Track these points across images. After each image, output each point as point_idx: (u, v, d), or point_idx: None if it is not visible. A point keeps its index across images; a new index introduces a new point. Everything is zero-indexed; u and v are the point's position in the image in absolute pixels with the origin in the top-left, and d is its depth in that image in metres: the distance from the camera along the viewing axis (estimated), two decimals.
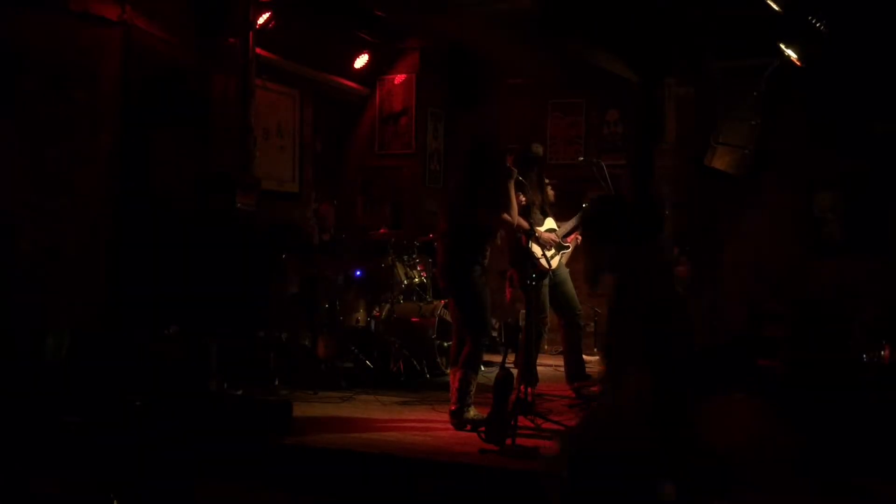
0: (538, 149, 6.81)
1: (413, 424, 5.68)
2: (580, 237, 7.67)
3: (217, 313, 6.29)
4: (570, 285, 7.03)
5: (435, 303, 7.56)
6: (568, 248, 7.19)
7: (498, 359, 5.61)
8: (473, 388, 5.57)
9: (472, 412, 5.54)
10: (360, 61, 9.60)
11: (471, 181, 5.72)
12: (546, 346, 8.97)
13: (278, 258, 7.16)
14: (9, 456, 4.64)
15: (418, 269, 7.80)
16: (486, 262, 5.72)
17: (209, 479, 4.75)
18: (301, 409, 5.75)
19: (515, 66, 10.00)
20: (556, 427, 5.44)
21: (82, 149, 6.12)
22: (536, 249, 6.55)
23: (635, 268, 4.49)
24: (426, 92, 10.04)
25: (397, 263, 7.59)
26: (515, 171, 5.83)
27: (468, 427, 5.41)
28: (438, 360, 7.37)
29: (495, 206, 5.70)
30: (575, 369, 6.84)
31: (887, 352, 7.06)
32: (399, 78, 10.03)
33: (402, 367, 7.22)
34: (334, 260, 7.60)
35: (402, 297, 7.65)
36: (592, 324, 9.41)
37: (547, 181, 7.34)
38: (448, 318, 7.43)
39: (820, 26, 6.56)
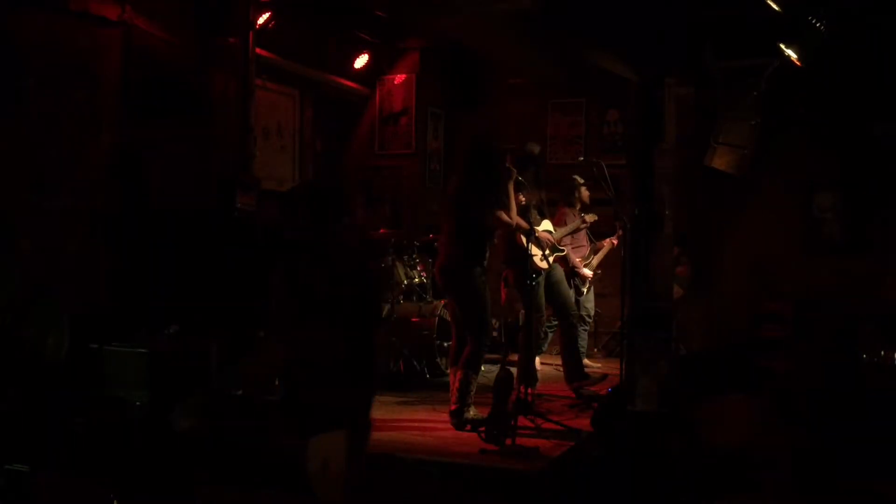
0: (534, 147, 6.83)
1: (413, 424, 5.68)
2: (616, 241, 7.76)
3: (217, 313, 6.29)
4: (564, 285, 7.05)
5: (435, 303, 7.56)
6: (563, 251, 7.22)
7: (498, 359, 5.61)
8: (474, 389, 5.57)
9: (472, 412, 5.54)
10: (360, 61, 9.60)
11: (470, 181, 5.72)
12: (546, 346, 8.95)
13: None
14: (9, 456, 4.63)
15: (418, 269, 7.80)
16: (485, 263, 5.72)
17: (209, 479, 4.75)
18: None
19: (515, 66, 10.00)
20: (556, 427, 5.44)
21: (82, 149, 6.12)
22: (535, 250, 6.55)
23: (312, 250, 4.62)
24: (426, 92, 10.04)
25: (397, 263, 7.59)
26: (515, 171, 5.83)
27: (468, 427, 5.41)
28: (438, 360, 7.37)
29: (494, 205, 5.69)
30: (573, 369, 6.84)
31: (887, 351, 7.06)
32: (399, 78, 10.03)
33: (402, 367, 7.21)
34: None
35: (402, 297, 7.64)
36: (593, 324, 9.40)
37: (582, 181, 7.38)
38: (448, 318, 7.44)
39: (820, 26, 6.55)
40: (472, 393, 5.57)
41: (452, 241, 5.71)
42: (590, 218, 7.34)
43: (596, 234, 8.00)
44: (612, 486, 4.74)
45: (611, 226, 7.95)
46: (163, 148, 6.55)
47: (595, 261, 7.93)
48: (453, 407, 5.56)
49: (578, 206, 7.59)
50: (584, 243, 7.89)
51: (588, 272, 7.81)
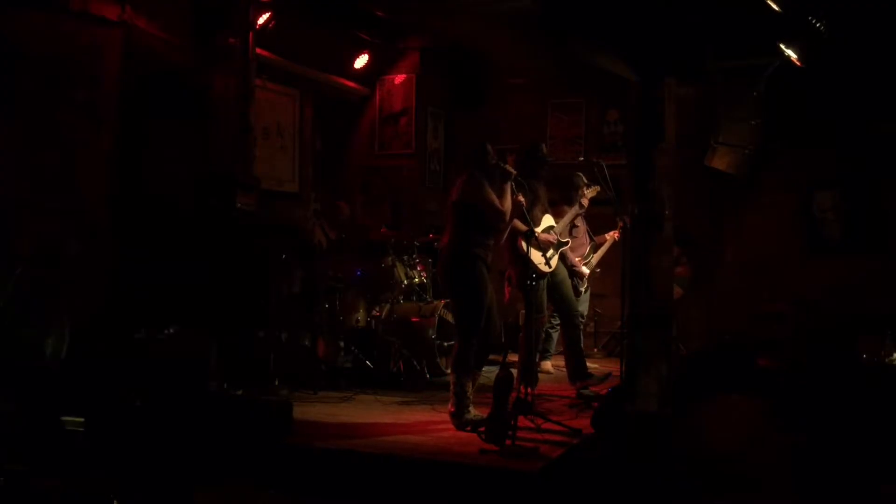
0: (543, 148, 6.86)
1: (413, 425, 5.68)
2: (617, 236, 7.69)
3: (217, 313, 6.29)
4: (568, 285, 7.03)
5: (435, 303, 7.56)
6: (567, 243, 7.18)
7: (498, 359, 5.60)
8: (469, 390, 5.56)
9: (472, 412, 5.54)
10: (360, 61, 9.61)
11: (466, 175, 5.76)
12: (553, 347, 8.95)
13: (278, 258, 7.16)
14: (9, 456, 4.63)
15: (418, 269, 7.80)
16: (482, 253, 5.69)
17: (209, 480, 4.75)
18: (301, 410, 5.74)
19: (515, 66, 10.00)
20: (556, 427, 5.43)
21: (82, 149, 6.12)
22: (535, 252, 6.54)
23: None
24: (426, 92, 10.04)
25: (397, 263, 7.59)
26: (514, 172, 5.81)
27: (468, 427, 5.41)
28: (438, 360, 7.37)
29: (485, 194, 5.68)
30: (576, 369, 6.84)
31: (887, 352, 7.07)
32: (399, 78, 10.03)
33: (402, 367, 7.21)
34: (334, 260, 7.61)
35: (402, 297, 7.64)
36: (592, 324, 9.41)
37: (585, 181, 7.32)
38: (448, 318, 7.43)
39: (820, 26, 6.56)
40: (468, 394, 5.55)
41: (450, 232, 5.75)
42: (590, 192, 7.24)
43: (596, 231, 7.98)
44: (612, 486, 4.74)
45: (611, 224, 7.92)
46: (162, 148, 6.55)
47: (595, 259, 7.88)
48: (452, 409, 5.56)
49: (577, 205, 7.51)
50: (584, 241, 7.85)
51: (585, 270, 7.76)
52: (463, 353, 5.55)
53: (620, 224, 7.60)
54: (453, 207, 5.73)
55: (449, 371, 5.78)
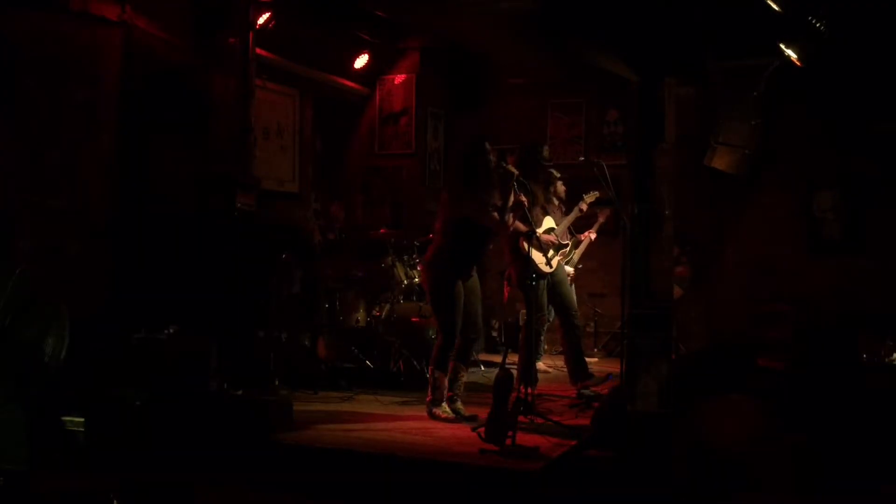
0: (547, 151, 6.86)
1: (413, 424, 5.68)
2: (594, 235, 7.68)
3: (217, 313, 6.28)
4: (567, 285, 7.03)
5: None
6: (566, 245, 7.17)
7: (498, 359, 5.61)
8: (445, 385, 5.78)
9: (444, 408, 5.76)
10: (360, 61, 9.60)
11: (458, 180, 5.77)
12: (546, 346, 8.97)
13: (278, 258, 7.16)
14: (9, 456, 4.63)
15: (418, 269, 7.80)
16: (469, 268, 5.77)
17: (209, 480, 4.75)
18: (301, 409, 5.75)
19: (515, 66, 10.00)
20: (556, 427, 5.43)
21: (82, 149, 6.12)
22: (536, 253, 6.54)
23: None
24: (426, 92, 10.04)
25: (397, 263, 7.59)
26: (516, 172, 5.81)
27: (442, 416, 5.71)
28: None
29: (483, 205, 5.68)
30: (577, 369, 6.84)
31: (887, 351, 7.07)
32: (399, 78, 10.03)
33: (402, 367, 7.22)
34: (334, 260, 7.61)
35: (402, 297, 7.64)
36: (592, 324, 9.42)
37: (558, 175, 7.30)
38: None
39: (820, 26, 6.56)
40: (443, 388, 5.78)
41: (437, 239, 5.79)
42: (589, 198, 7.22)
43: (579, 229, 7.93)
44: (612, 486, 4.74)
45: (608, 223, 7.88)
46: (162, 148, 6.55)
47: (577, 255, 7.82)
48: (428, 397, 5.85)
49: (557, 203, 7.43)
50: (567, 239, 7.82)
51: (570, 269, 7.71)
52: (440, 350, 5.81)
53: (601, 220, 7.56)
54: (447, 220, 5.76)
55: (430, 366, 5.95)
